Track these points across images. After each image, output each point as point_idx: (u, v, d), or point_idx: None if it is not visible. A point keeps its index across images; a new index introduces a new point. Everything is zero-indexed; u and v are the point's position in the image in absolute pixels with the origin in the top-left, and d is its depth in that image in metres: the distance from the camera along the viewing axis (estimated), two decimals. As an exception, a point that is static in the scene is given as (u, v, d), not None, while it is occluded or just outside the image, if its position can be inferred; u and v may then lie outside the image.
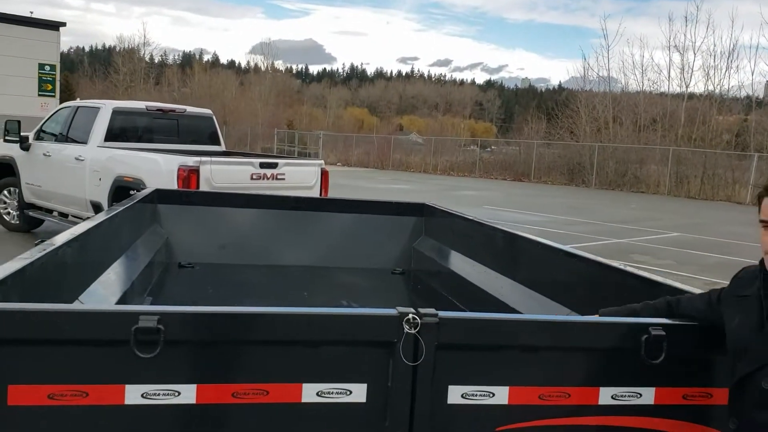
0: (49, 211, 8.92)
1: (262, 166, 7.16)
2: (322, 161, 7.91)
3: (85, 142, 8.05)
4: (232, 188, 6.94)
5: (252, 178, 7.08)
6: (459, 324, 1.83)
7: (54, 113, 9.04)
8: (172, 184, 6.69)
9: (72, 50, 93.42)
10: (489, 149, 39.51)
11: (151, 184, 6.99)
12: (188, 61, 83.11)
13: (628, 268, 2.93)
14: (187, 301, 4.58)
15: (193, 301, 4.49)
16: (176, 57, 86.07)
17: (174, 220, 5.37)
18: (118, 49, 65.16)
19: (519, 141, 34.76)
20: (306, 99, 77.80)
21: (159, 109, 8.48)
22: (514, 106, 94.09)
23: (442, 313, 1.79)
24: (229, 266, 5.26)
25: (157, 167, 6.97)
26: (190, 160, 6.67)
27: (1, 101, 37.00)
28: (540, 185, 28.84)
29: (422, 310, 1.79)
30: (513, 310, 3.69)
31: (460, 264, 4.87)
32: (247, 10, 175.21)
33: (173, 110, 8.63)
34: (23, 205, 9.23)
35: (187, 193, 5.49)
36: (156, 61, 74.73)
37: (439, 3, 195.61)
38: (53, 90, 40.66)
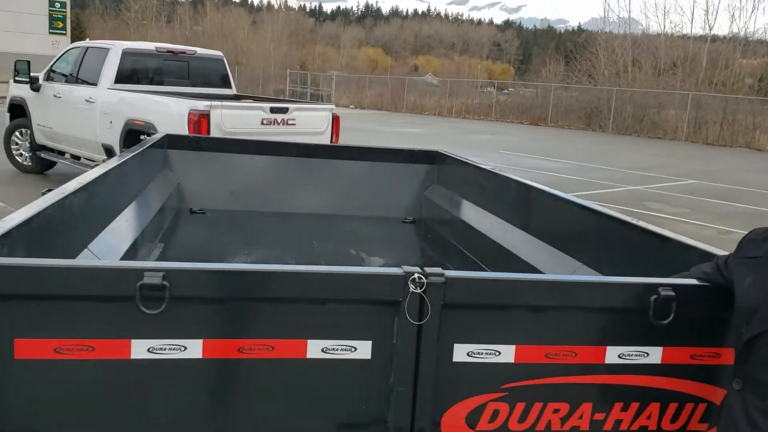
0: (61, 153, 8.93)
1: (273, 111, 7.08)
2: (333, 106, 7.80)
3: (95, 84, 7.99)
4: (243, 133, 6.89)
5: (262, 123, 7.01)
6: (465, 284, 1.81)
7: (64, 53, 8.94)
8: (183, 128, 6.64)
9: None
10: (506, 91, 38.91)
11: (162, 128, 6.95)
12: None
13: (641, 223, 2.88)
14: (198, 248, 4.60)
15: (204, 248, 4.51)
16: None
17: (184, 166, 5.36)
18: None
19: (536, 84, 34.13)
20: (319, 38, 76.60)
21: (169, 51, 8.36)
22: (532, 48, 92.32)
23: (448, 273, 1.77)
24: (240, 213, 5.27)
25: (167, 111, 6.91)
26: (201, 105, 6.60)
27: (13, 39, 36.80)
28: (557, 129, 28.48)
29: (428, 270, 1.77)
30: (525, 264, 3.67)
31: (472, 214, 4.83)
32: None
33: (183, 52, 8.50)
34: (35, 147, 9.24)
35: (198, 139, 5.46)
36: (168, -1, 73.47)
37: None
38: (64, 27, 40.26)
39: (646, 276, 2.00)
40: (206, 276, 1.71)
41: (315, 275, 1.75)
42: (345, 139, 15.32)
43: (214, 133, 6.68)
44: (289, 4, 68.41)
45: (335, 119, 7.66)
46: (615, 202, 10.71)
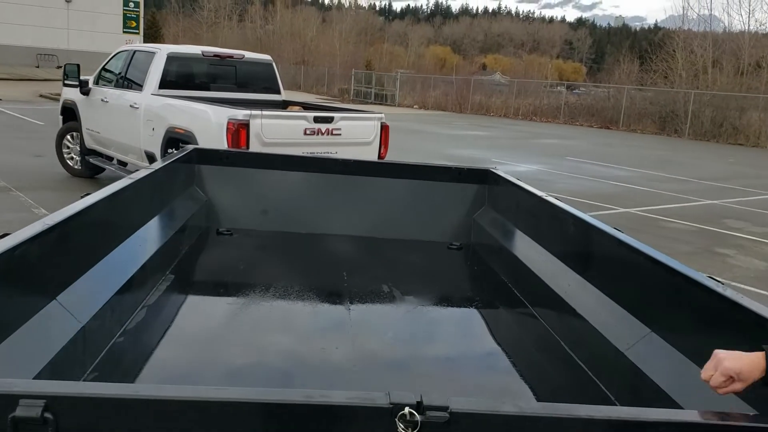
0: (110, 159, 8.78)
1: (317, 120, 6.64)
2: (383, 115, 7.31)
3: (140, 89, 7.76)
4: (284, 144, 6.49)
5: (305, 134, 6.59)
6: (480, 424, 1.27)
7: (112, 57, 8.78)
8: (222, 138, 6.30)
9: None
10: (576, 91, 37.58)
11: (201, 137, 6.64)
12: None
13: (728, 292, 2.26)
14: (210, 278, 4.19)
15: (216, 279, 4.09)
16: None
17: (214, 183, 4.98)
18: (204, -13, 65.56)
19: (609, 86, 32.73)
20: (388, 37, 76.42)
21: (216, 55, 8.06)
22: (605, 46, 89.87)
23: (455, 405, 1.25)
24: (269, 234, 4.85)
25: (206, 119, 6.58)
26: (240, 114, 6.23)
27: (89, 39, 38.00)
28: (628, 134, 27.17)
29: (427, 401, 1.24)
30: (582, 321, 3.08)
31: (524, 247, 4.25)
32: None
33: (230, 56, 8.18)
34: (84, 151, 9.13)
35: (228, 154, 5.06)
36: (242, -2, 74.83)
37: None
38: (137, 27, 41.36)
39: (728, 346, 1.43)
40: (105, 405, 1.23)
41: (260, 406, 1.26)
42: (402, 141, 14.85)
43: (254, 143, 6.30)
44: (359, 2, 68.28)
45: (384, 129, 7.17)
46: (690, 219, 9.84)
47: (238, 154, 5.15)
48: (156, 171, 4.06)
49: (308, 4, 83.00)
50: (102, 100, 8.46)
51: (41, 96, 24.61)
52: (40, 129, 15.09)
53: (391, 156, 7.46)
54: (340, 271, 4.24)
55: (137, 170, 3.95)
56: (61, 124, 9.77)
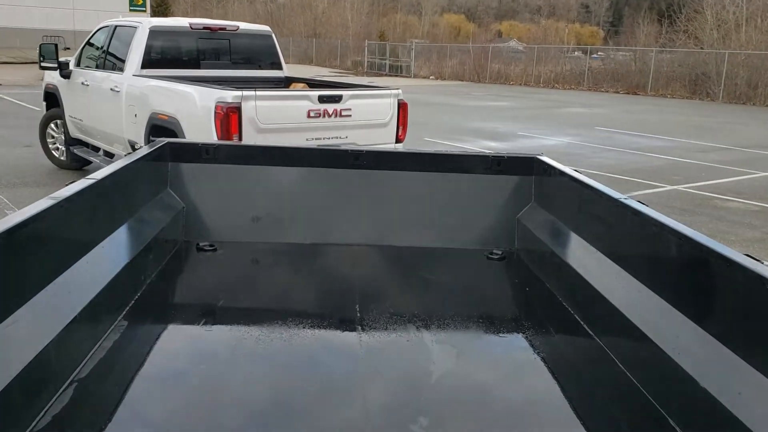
0: (97, 149, 7.85)
1: (323, 100, 5.64)
2: (399, 90, 6.28)
3: (121, 70, 6.79)
4: (284, 130, 5.51)
5: (309, 116, 5.59)
6: None
7: (93, 34, 7.80)
8: (210, 125, 5.33)
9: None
10: (595, 56, 35.97)
11: (187, 124, 5.67)
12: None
13: None
14: (192, 305, 3.24)
15: (186, 319, 3.13)
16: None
17: (192, 185, 4.01)
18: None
19: (634, 48, 31.18)
20: (400, 6, 74.87)
21: (206, 27, 7.04)
22: (623, 8, 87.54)
23: None
24: (263, 246, 3.89)
25: (191, 103, 5.60)
26: (230, 95, 5.24)
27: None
28: (658, 99, 25.79)
29: None
30: (654, 346, 2.24)
31: (584, 256, 3.26)
32: None
33: (223, 28, 7.16)
34: (69, 141, 8.21)
35: (209, 147, 4.07)
36: (250, -28, 73.61)
37: None
38: (144, 4, 40.25)
39: None
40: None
41: None
42: (419, 114, 13.72)
43: (247, 130, 5.32)
44: (370, -28, 66.83)
45: (402, 107, 6.15)
46: (747, 196, 8.74)
47: (221, 148, 4.16)
48: (116, 172, 3.12)
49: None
50: (83, 83, 7.51)
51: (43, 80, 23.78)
52: (36, 116, 14.20)
53: (408, 133, 6.44)
54: (352, 291, 3.25)
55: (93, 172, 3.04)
56: (45, 111, 8.86)
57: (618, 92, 28.16)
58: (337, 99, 5.70)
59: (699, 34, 28.48)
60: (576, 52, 36.70)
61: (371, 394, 2.29)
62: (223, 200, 4.04)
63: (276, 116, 5.43)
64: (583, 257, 3.21)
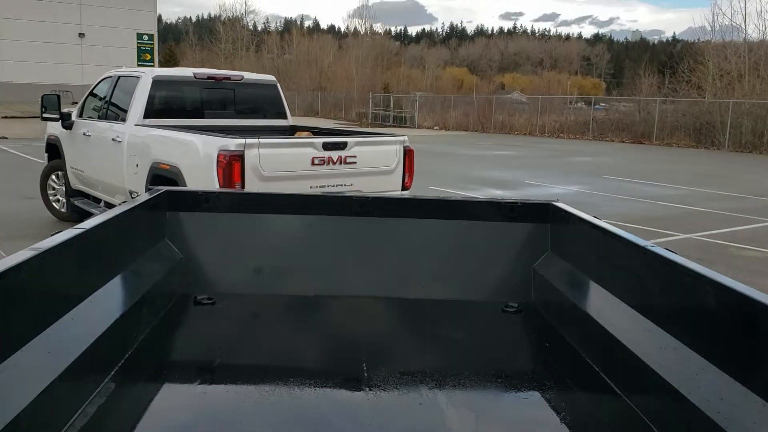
0: (98, 201, 7.70)
1: (327, 147, 5.49)
2: (405, 137, 6.14)
3: (123, 120, 6.69)
4: (288, 178, 5.35)
5: (314, 164, 5.44)
6: None
7: (96, 85, 7.75)
8: (212, 174, 5.17)
9: (180, 21, 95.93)
10: (599, 106, 36.15)
11: (188, 173, 5.52)
12: (290, 27, 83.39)
13: None
14: (189, 362, 2.99)
15: (194, 365, 2.89)
16: (278, 24, 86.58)
17: (191, 235, 3.81)
18: (222, 18, 65.86)
19: (638, 98, 31.33)
20: (404, 60, 76.21)
21: (210, 77, 6.97)
22: (624, 61, 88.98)
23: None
24: (265, 299, 3.66)
25: (194, 151, 5.46)
26: (233, 143, 5.10)
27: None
28: (664, 148, 25.75)
29: None
30: (701, 416, 1.98)
31: (608, 309, 3.02)
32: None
33: (228, 78, 7.09)
34: (70, 192, 8.07)
35: (209, 196, 3.89)
36: (259, 29, 75.35)
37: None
38: (152, 60, 40.91)
39: None
40: None
41: None
42: (427, 168, 13.67)
43: (250, 178, 5.15)
44: (374, 29, 68.18)
45: (408, 154, 6.00)
46: (765, 245, 8.50)
47: (222, 196, 3.98)
48: (107, 222, 2.93)
49: (324, 32, 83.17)
50: (84, 134, 7.41)
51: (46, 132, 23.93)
52: (39, 168, 14.15)
53: (413, 180, 6.27)
54: (359, 347, 3.00)
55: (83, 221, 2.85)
56: (46, 162, 8.76)
57: (623, 141, 28.17)
58: (341, 146, 5.56)
59: (702, 84, 28.64)
60: (579, 103, 36.94)
61: None
62: (223, 251, 3.83)
63: (279, 164, 5.27)
64: (607, 309, 2.97)
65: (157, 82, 6.60)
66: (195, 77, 6.88)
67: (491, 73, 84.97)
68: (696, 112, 27.33)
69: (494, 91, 54.27)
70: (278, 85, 7.53)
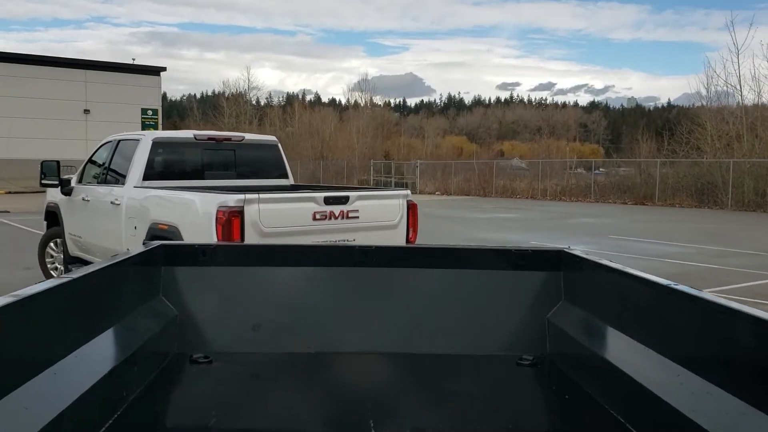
0: (95, 266, 7.53)
1: (329, 201, 5.38)
2: (408, 191, 6.04)
3: (123, 183, 6.61)
4: (289, 233, 5.21)
5: (315, 219, 5.31)
6: None
7: (96, 150, 7.72)
8: (211, 232, 5.04)
9: (185, 98, 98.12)
10: (599, 171, 36.31)
11: (187, 232, 5.38)
12: (292, 101, 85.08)
13: None
14: (182, 426, 2.77)
15: (189, 429, 2.66)
16: (281, 99, 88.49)
17: (187, 290, 3.64)
18: (226, 94, 67.26)
19: (638, 160, 31.52)
20: (404, 130, 77.37)
21: (211, 138, 6.93)
22: (621, 127, 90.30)
23: None
24: (264, 357, 3.46)
25: (192, 210, 5.35)
26: (232, 200, 4.99)
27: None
28: (666, 209, 25.69)
29: None
30: None
31: (631, 356, 2.82)
32: (349, 50, 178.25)
33: (228, 138, 7.06)
34: (68, 259, 7.92)
35: (205, 249, 3.74)
36: (262, 104, 76.88)
37: (541, 28, 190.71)
38: (155, 125, 41.50)
39: None
40: None
41: None
42: (428, 229, 13.56)
43: (250, 235, 5.02)
44: (374, 101, 69.54)
45: (412, 208, 5.88)
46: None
47: (219, 249, 3.82)
48: (96, 273, 2.79)
49: (325, 105, 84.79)
50: (83, 199, 7.33)
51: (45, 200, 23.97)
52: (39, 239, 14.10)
53: (417, 238, 6.13)
54: (364, 407, 2.78)
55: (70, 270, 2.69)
56: (45, 230, 8.65)
57: (626, 203, 28.15)
58: (343, 200, 5.44)
59: (701, 145, 28.84)
60: (579, 169, 37.14)
61: None
62: (220, 307, 3.65)
63: (280, 219, 5.14)
64: (630, 356, 2.76)
65: (157, 144, 6.55)
66: (195, 138, 6.84)
67: (490, 140, 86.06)
68: (697, 173, 27.41)
69: (494, 158, 54.80)
70: (279, 145, 7.50)
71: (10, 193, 30.00)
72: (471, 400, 3.05)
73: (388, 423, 2.49)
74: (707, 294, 2.40)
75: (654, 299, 2.69)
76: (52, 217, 8.29)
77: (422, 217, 7.06)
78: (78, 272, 2.66)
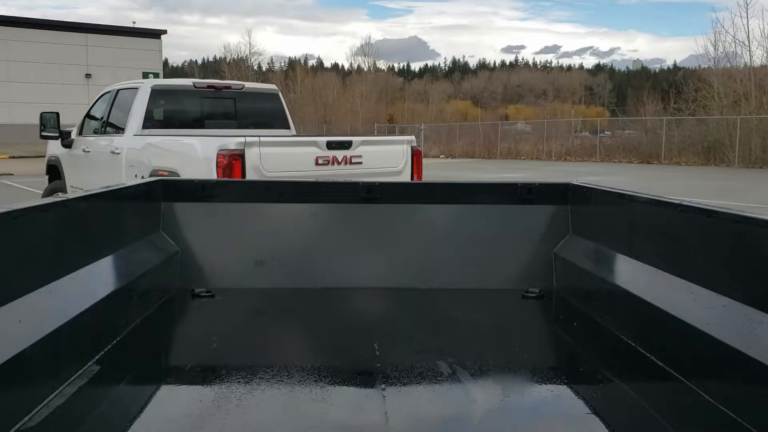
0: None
1: (331, 146, 5.28)
2: (413, 137, 5.94)
3: (122, 132, 6.52)
4: (291, 178, 5.14)
5: (317, 164, 5.23)
6: None
7: (96, 101, 7.61)
8: (212, 175, 4.96)
9: (186, 64, 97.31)
10: (603, 133, 35.92)
11: (188, 177, 5.32)
12: (294, 66, 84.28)
13: None
14: (183, 358, 2.72)
15: (189, 362, 2.61)
16: (283, 64, 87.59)
17: (188, 226, 3.57)
18: (227, 59, 66.63)
19: (644, 119, 31.20)
20: (408, 95, 76.76)
21: (210, 86, 6.82)
22: (626, 89, 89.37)
23: None
24: (268, 292, 3.40)
25: (193, 155, 5.27)
26: (232, 143, 4.90)
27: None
28: (673, 167, 25.50)
29: None
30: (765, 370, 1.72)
31: (643, 279, 2.75)
32: (352, 13, 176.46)
33: (228, 87, 6.94)
34: (70, 213, 7.86)
35: (205, 184, 3.66)
36: (264, 69, 76.26)
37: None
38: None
39: None
40: None
41: None
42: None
43: (251, 178, 4.94)
44: (377, 66, 68.90)
45: (416, 154, 5.79)
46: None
47: (219, 185, 3.75)
48: (96, 195, 2.74)
49: (328, 70, 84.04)
50: (84, 150, 7.25)
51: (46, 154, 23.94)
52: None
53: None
54: (370, 342, 2.72)
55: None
56: (47, 184, 8.59)
57: (631, 162, 27.97)
58: (346, 145, 5.35)
59: (708, 103, 28.51)
60: (584, 132, 36.78)
61: None
62: (222, 243, 3.59)
63: (281, 164, 5.06)
64: (642, 280, 2.69)
65: (156, 92, 6.45)
66: (195, 86, 6.73)
67: (495, 104, 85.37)
68: (703, 131, 27.14)
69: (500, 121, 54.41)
70: (280, 95, 7.37)
71: (13, 157, 29.96)
72: (475, 328, 3.00)
73: (394, 357, 2.43)
74: (722, 208, 2.32)
75: (666, 220, 2.61)
76: (54, 170, 8.22)
77: (426, 179, 6.98)
78: (74, 195, 2.60)
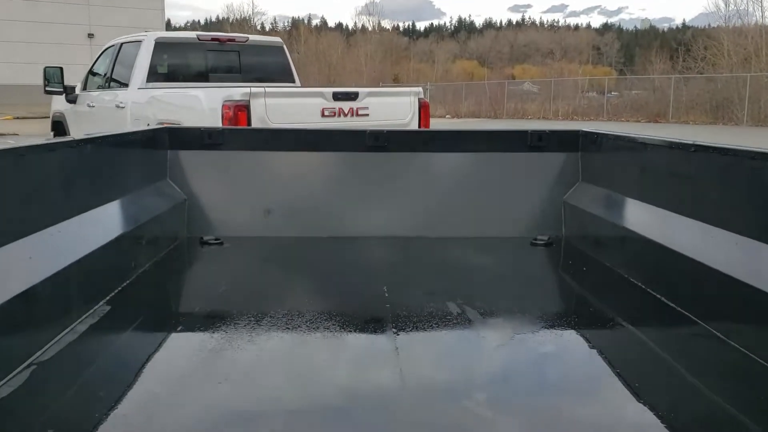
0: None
1: (337, 97, 5.23)
2: (420, 89, 5.88)
3: (126, 85, 6.46)
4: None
5: (324, 115, 5.18)
6: None
7: (99, 55, 7.53)
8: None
9: (188, 24, 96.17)
10: (611, 94, 35.44)
11: (193, 130, 5.29)
12: (297, 26, 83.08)
13: None
14: (190, 304, 2.72)
15: (197, 309, 2.61)
16: (286, 23, 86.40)
17: (195, 174, 3.57)
18: (230, 20, 65.76)
19: (652, 77, 30.79)
20: (413, 55, 75.77)
21: (215, 39, 6.73)
22: (634, 49, 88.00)
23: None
24: (276, 241, 3.41)
25: (198, 106, 5.22)
26: (237, 93, 4.86)
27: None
28: (681, 125, 25.24)
29: None
30: None
31: (655, 222, 2.75)
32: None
33: (232, 39, 6.85)
34: (76, 170, 7.84)
35: (212, 132, 3.64)
36: (267, 29, 75.32)
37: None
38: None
39: None
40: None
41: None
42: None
43: (257, 130, 4.91)
44: (383, 25, 67.89)
45: (423, 106, 5.72)
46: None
47: (226, 133, 3.73)
48: (103, 139, 2.75)
49: (332, 30, 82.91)
50: (88, 105, 7.20)
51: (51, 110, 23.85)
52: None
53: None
54: (379, 291, 2.71)
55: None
56: (52, 142, 8.55)
57: (639, 121, 27.69)
58: (353, 96, 5.30)
59: (717, 61, 28.08)
60: (591, 92, 36.30)
61: (409, 394, 1.76)
62: (230, 191, 3.59)
63: (287, 115, 5.02)
64: (654, 224, 2.67)
65: (160, 45, 6.37)
66: (199, 39, 6.65)
67: (501, 64, 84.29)
68: (712, 89, 26.79)
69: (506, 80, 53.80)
70: (284, 47, 7.27)
71: (18, 118, 29.85)
72: (484, 274, 3.00)
73: (404, 305, 2.43)
74: (732, 145, 2.28)
75: (679, 162, 2.58)
76: (59, 127, 8.19)
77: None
78: (80, 137, 2.58)
